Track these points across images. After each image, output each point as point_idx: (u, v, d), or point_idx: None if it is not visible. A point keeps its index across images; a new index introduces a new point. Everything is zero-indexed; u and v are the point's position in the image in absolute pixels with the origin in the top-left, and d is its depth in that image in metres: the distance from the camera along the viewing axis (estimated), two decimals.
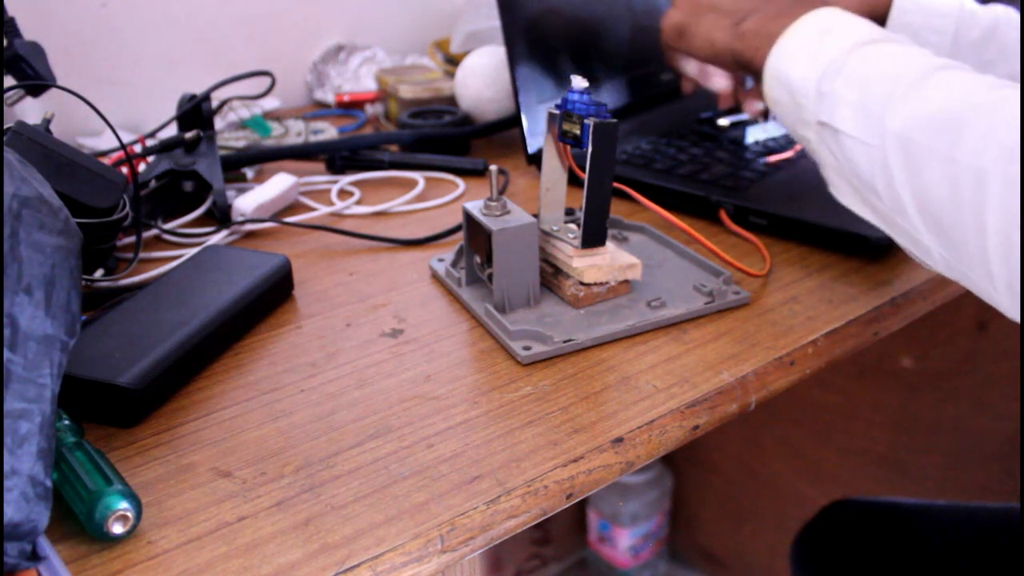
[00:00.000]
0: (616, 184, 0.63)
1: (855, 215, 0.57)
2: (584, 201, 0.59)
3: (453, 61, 1.10)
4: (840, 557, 0.89)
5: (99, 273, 0.66)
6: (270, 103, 1.08)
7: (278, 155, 0.88)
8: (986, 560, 0.83)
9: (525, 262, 0.60)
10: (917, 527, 0.88)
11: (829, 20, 0.57)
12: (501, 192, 0.66)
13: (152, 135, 0.90)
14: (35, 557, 0.40)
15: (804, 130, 0.57)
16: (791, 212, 0.71)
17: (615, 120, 0.57)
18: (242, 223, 0.75)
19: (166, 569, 0.41)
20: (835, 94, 0.53)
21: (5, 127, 0.61)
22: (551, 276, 0.63)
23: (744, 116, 0.88)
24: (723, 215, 0.73)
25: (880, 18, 0.71)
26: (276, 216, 0.78)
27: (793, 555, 0.93)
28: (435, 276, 0.67)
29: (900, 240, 0.53)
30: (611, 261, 0.61)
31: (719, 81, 0.74)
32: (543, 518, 0.46)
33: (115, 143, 0.90)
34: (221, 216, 0.75)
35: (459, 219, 0.75)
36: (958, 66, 0.51)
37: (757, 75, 0.61)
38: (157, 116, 0.96)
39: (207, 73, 0.92)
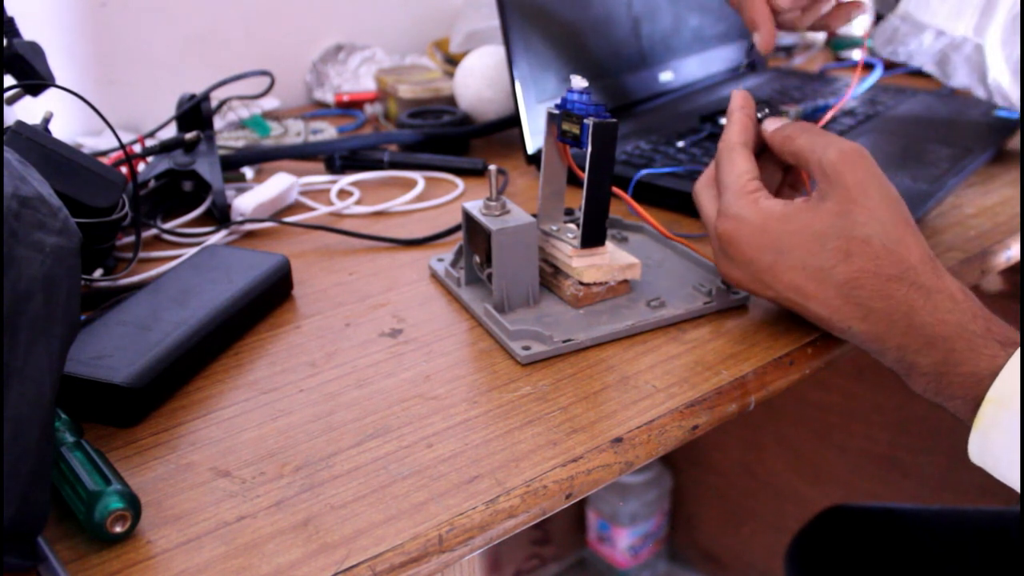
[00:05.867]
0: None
1: None
2: (583, 201, 0.59)
3: (453, 61, 1.10)
4: (835, 563, 0.89)
5: (98, 273, 0.66)
6: (269, 103, 1.08)
7: (277, 155, 0.88)
8: (982, 564, 0.83)
9: (524, 262, 0.60)
10: (912, 532, 0.88)
11: None
12: (500, 192, 0.66)
13: (152, 135, 0.90)
14: (35, 557, 0.40)
15: None
16: None
17: (614, 120, 0.57)
18: (241, 223, 0.75)
19: (165, 569, 0.41)
20: None
21: (5, 127, 0.61)
22: (551, 276, 0.63)
23: None
24: None
25: None
26: (275, 216, 0.78)
27: (788, 561, 0.93)
28: (434, 276, 0.67)
29: None
30: (610, 261, 0.61)
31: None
32: (542, 518, 0.46)
33: (115, 143, 0.90)
34: (220, 216, 0.75)
35: (458, 219, 0.74)
36: None
37: None
38: (157, 116, 0.96)
39: (207, 73, 0.92)
